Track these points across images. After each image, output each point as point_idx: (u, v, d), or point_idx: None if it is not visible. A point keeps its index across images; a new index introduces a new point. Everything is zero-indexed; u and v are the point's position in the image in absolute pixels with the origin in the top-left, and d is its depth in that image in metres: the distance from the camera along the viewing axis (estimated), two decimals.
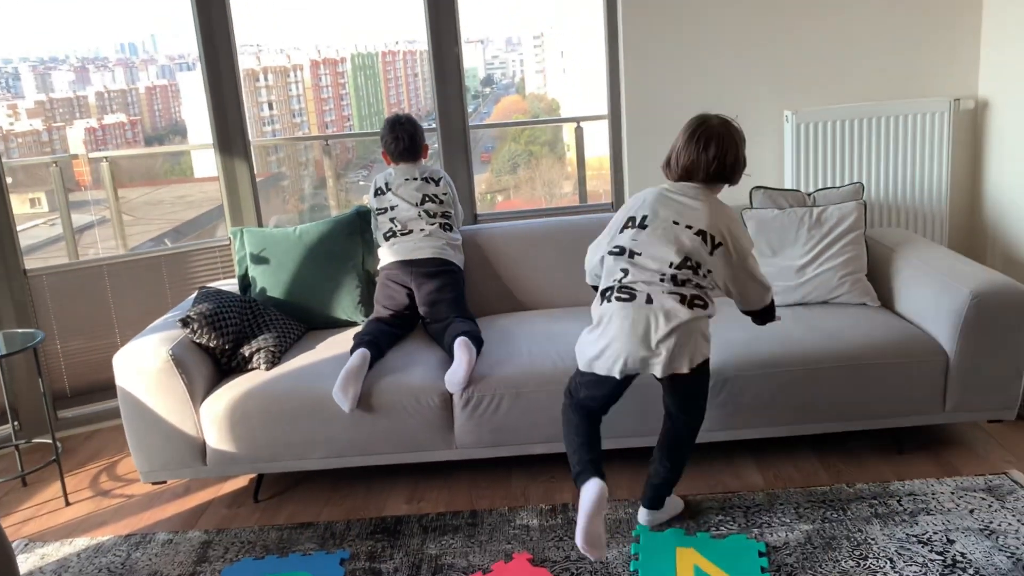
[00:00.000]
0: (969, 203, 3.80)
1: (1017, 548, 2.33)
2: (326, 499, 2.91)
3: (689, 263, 2.30)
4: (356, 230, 3.37)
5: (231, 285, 3.43)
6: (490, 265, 3.42)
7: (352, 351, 2.86)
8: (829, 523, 2.52)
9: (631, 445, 2.82)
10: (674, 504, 2.63)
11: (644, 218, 2.39)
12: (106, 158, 4.37)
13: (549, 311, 3.32)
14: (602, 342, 2.32)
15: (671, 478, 2.53)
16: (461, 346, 2.79)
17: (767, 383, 2.75)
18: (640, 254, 2.34)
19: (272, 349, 2.97)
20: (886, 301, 3.11)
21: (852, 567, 2.31)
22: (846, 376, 2.75)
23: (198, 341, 2.90)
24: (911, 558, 2.32)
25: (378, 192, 3.35)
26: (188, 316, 2.90)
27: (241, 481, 3.08)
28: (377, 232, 3.33)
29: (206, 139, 3.80)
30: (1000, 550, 2.33)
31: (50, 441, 3.25)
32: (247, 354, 2.96)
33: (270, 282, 3.28)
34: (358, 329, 3.12)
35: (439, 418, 2.77)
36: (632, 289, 2.30)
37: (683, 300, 2.26)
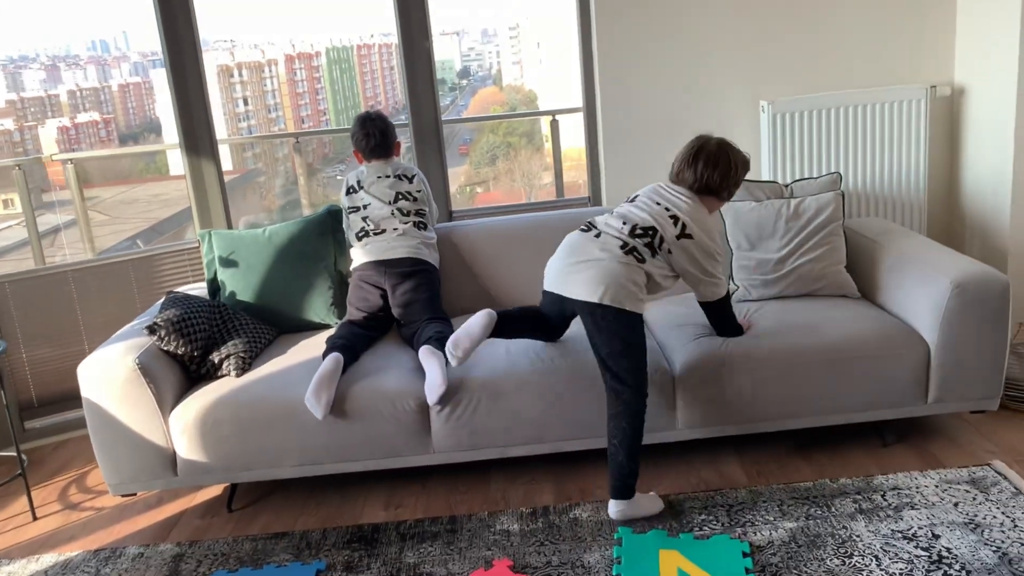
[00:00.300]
0: (947, 191, 3.78)
1: (1003, 542, 2.30)
2: (301, 507, 2.85)
3: (652, 232, 2.56)
4: (327, 230, 3.30)
5: (200, 289, 3.36)
6: (466, 264, 3.36)
7: (324, 355, 2.79)
8: (813, 520, 2.48)
9: None
10: (651, 503, 2.58)
11: (635, 197, 2.72)
12: (71, 160, 4.27)
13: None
14: (551, 261, 2.68)
15: (624, 461, 2.49)
16: (426, 356, 2.73)
17: (748, 379, 2.71)
18: (617, 213, 2.67)
19: (242, 355, 2.89)
20: (866, 293, 3.07)
21: (837, 566, 2.27)
22: (827, 370, 2.72)
23: (166, 348, 2.82)
24: (896, 555, 2.29)
25: (350, 190, 3.28)
26: (155, 323, 2.82)
27: (215, 490, 3.01)
28: (349, 232, 3.26)
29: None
30: (986, 544, 2.30)
31: (15, 454, 3.16)
32: (217, 361, 2.88)
33: (240, 285, 3.20)
34: (331, 332, 3.05)
35: (415, 422, 2.71)
36: (593, 225, 2.66)
37: (624, 246, 2.53)
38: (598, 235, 2.59)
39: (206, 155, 3.65)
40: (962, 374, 2.74)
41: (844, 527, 2.44)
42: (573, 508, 2.66)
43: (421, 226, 3.23)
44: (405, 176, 3.28)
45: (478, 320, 2.62)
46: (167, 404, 2.75)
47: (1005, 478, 2.62)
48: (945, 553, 2.28)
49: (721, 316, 2.75)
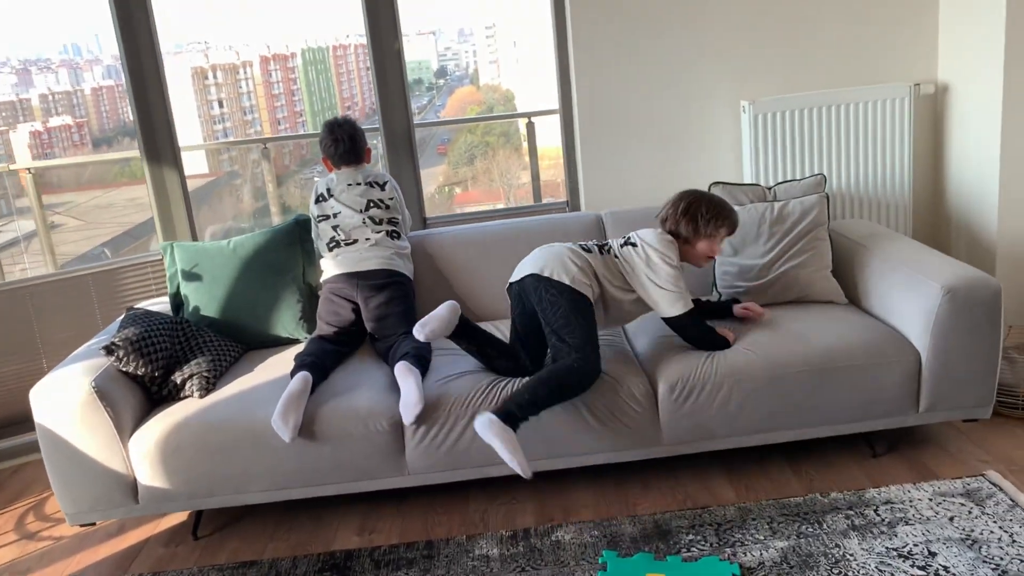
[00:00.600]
0: (932, 190, 3.70)
1: (1002, 559, 2.22)
2: (271, 533, 2.72)
3: (605, 243, 2.81)
4: (296, 240, 3.17)
5: (163, 304, 3.21)
6: (441, 273, 3.24)
7: (292, 374, 2.67)
8: (805, 538, 2.39)
9: (592, 463, 2.66)
10: (515, 455, 2.34)
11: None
12: (29, 169, 4.10)
13: (505, 321, 3.15)
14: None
15: (532, 389, 2.45)
16: (402, 372, 2.61)
17: (734, 391, 2.61)
18: None
19: (206, 375, 2.76)
20: (853, 298, 2.98)
21: None
22: (816, 380, 2.62)
23: (124, 369, 2.68)
24: (892, 575, 2.20)
25: (319, 199, 3.15)
26: (113, 343, 2.68)
27: (180, 516, 2.87)
28: (319, 241, 3.13)
29: None
30: (984, 562, 2.21)
31: None
32: (179, 381, 2.74)
33: (204, 300, 3.07)
34: (299, 349, 2.92)
35: (389, 443, 2.59)
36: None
37: (574, 243, 2.76)
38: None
39: (168, 164, 3.51)
40: (954, 382, 2.65)
41: (837, 545, 2.34)
42: (555, 530, 2.55)
43: (394, 235, 3.11)
44: (377, 183, 3.16)
45: (443, 309, 2.65)
46: (126, 428, 2.61)
47: (1000, 489, 2.53)
48: (942, 572, 2.19)
49: (694, 333, 2.69)
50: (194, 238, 3.63)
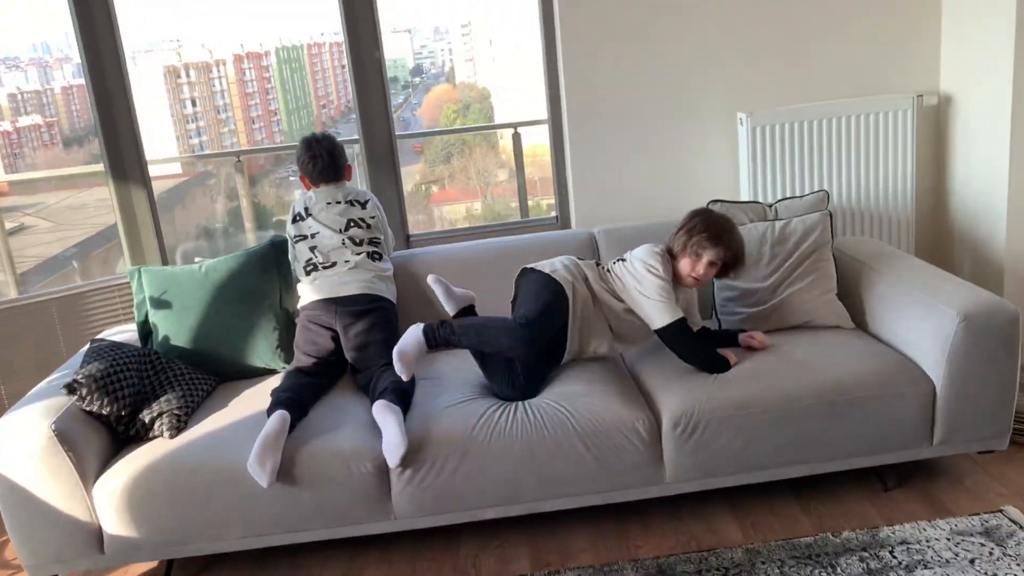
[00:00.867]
0: (935, 204, 3.57)
1: None
2: None
3: (603, 264, 2.83)
4: (272, 264, 2.99)
5: (131, 332, 3.02)
6: (426, 296, 3.07)
7: (269, 412, 2.49)
8: None
9: (591, 503, 2.50)
10: (409, 364, 2.47)
11: None
12: None
13: None
14: None
15: (464, 327, 2.54)
16: (380, 411, 2.44)
17: (740, 425, 2.46)
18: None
19: (177, 412, 2.57)
20: (860, 322, 2.85)
21: None
22: (827, 413, 2.48)
23: (88, 409, 2.49)
24: None
25: (296, 218, 2.97)
26: (75, 380, 2.49)
27: (150, 564, 2.69)
28: (296, 263, 2.95)
29: None
30: None
31: None
32: (147, 420, 2.56)
33: (174, 329, 2.88)
34: (276, 382, 2.74)
35: (373, 486, 2.42)
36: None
37: (581, 258, 2.81)
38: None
39: (135, 181, 3.31)
40: (970, 413, 2.52)
41: None
42: None
43: (376, 256, 2.93)
44: (358, 201, 2.98)
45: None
46: (90, 473, 2.42)
47: (1021, 527, 2.41)
48: None
49: (687, 348, 2.60)
50: (164, 260, 3.43)
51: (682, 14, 3.31)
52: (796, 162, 3.34)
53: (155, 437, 2.55)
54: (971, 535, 2.40)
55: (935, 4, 3.36)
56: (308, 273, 2.87)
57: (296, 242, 2.94)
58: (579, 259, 2.77)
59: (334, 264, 2.86)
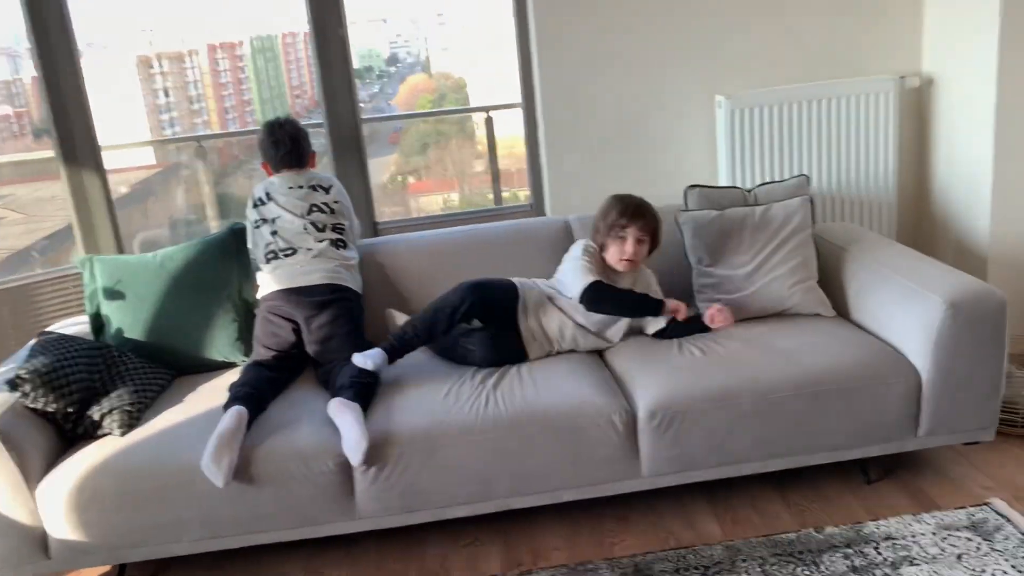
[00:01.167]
0: (917, 188, 3.49)
1: None
2: None
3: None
4: (230, 252, 2.86)
5: (83, 325, 2.87)
6: (393, 286, 2.95)
7: (226, 408, 2.36)
8: None
9: (565, 499, 2.40)
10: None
11: None
12: None
13: None
14: None
15: (406, 323, 2.61)
16: (337, 410, 2.32)
17: (719, 417, 2.36)
18: None
19: (128, 408, 2.44)
20: (842, 310, 2.75)
21: None
22: (809, 404, 2.38)
23: (33, 406, 2.35)
24: None
25: (257, 203, 2.84)
26: (18, 376, 2.35)
27: (101, 569, 2.55)
28: (256, 250, 2.82)
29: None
30: None
31: None
32: (97, 417, 2.42)
33: (128, 321, 2.74)
34: (235, 375, 2.61)
35: (335, 485, 2.30)
36: None
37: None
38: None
39: (88, 168, 3.16)
40: (956, 403, 2.43)
41: None
42: None
43: (340, 244, 2.80)
44: (321, 186, 2.86)
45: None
46: (35, 474, 2.28)
47: (1008, 520, 2.32)
48: None
49: (613, 301, 2.60)
50: (120, 250, 3.28)
51: None
52: (776, 146, 3.25)
53: (105, 435, 2.42)
54: (957, 529, 2.31)
55: None
56: (268, 261, 2.74)
57: (256, 227, 2.81)
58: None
59: (295, 251, 2.73)
